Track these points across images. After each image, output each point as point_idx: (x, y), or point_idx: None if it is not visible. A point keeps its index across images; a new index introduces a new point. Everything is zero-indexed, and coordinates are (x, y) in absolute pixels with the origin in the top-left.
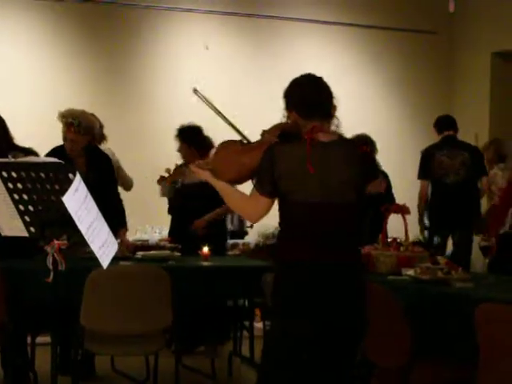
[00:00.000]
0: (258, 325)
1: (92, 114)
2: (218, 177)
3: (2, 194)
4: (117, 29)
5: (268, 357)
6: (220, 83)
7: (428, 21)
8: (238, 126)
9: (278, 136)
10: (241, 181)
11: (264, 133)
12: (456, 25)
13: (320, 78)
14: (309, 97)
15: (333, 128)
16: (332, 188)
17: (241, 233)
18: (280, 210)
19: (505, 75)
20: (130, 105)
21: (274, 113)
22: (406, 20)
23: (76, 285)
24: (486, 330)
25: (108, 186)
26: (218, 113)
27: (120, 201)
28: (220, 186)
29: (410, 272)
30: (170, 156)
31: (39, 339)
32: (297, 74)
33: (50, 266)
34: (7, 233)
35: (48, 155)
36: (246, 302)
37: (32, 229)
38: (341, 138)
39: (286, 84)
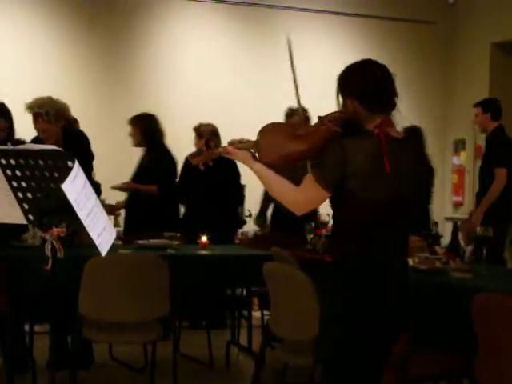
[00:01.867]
0: (256, 314)
1: None
2: (255, 159)
3: (1, 181)
4: (115, 16)
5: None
6: (222, 71)
7: (428, 11)
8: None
9: (341, 126)
10: (279, 167)
11: (322, 119)
12: (456, 15)
13: (385, 66)
14: (376, 86)
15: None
16: (405, 188)
17: (239, 222)
18: (343, 207)
19: (504, 65)
20: (129, 93)
21: (276, 100)
22: (406, 10)
23: (75, 273)
24: (484, 319)
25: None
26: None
27: (97, 184)
28: (262, 170)
29: (409, 262)
30: (171, 146)
31: (37, 327)
32: (297, 63)
33: (49, 254)
34: (6, 220)
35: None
36: (244, 291)
37: (31, 216)
38: (407, 134)
39: (286, 73)
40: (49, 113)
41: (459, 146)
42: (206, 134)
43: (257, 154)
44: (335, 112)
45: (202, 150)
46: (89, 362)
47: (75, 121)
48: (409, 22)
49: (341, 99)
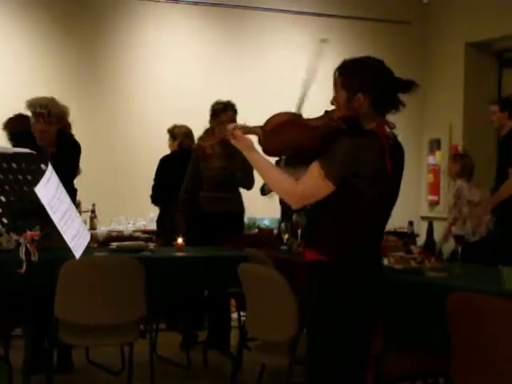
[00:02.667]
0: (234, 315)
1: None
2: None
3: None
4: (92, 18)
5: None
6: (194, 72)
7: (402, 11)
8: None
9: (346, 123)
10: (277, 155)
11: (331, 115)
12: (430, 15)
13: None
14: (390, 88)
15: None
16: (397, 189)
17: None
18: (346, 206)
19: (479, 65)
20: (105, 94)
21: (252, 101)
22: (380, 10)
23: (50, 276)
24: (458, 318)
25: (65, 176)
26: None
27: (74, 190)
28: (262, 160)
29: (384, 261)
30: (145, 147)
31: (14, 331)
32: (268, 66)
33: (23, 257)
34: None
35: (17, 142)
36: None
37: (4, 220)
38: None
39: (255, 73)
40: (51, 114)
41: (434, 145)
42: (180, 136)
43: (259, 139)
44: (341, 108)
45: (210, 132)
46: (68, 366)
47: (69, 125)
48: (383, 22)
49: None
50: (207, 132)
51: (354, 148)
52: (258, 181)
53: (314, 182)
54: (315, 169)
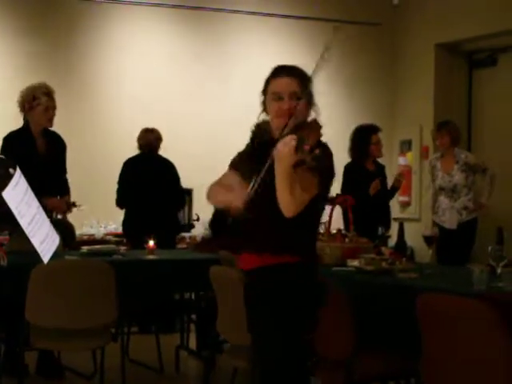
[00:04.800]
0: None
1: None
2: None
3: None
4: (57, 21)
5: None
6: (165, 76)
7: (372, 13)
8: None
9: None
10: None
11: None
12: (400, 16)
13: None
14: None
15: None
16: None
17: (187, 226)
18: (313, 210)
19: (448, 66)
20: (74, 95)
21: (222, 104)
22: (351, 12)
23: (20, 280)
24: (427, 319)
25: (62, 165)
26: None
27: (66, 178)
28: (289, 169)
29: (355, 263)
30: (117, 148)
31: None
32: (240, 66)
33: None
34: None
35: (13, 138)
36: (193, 295)
37: None
38: None
39: (228, 76)
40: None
41: (405, 146)
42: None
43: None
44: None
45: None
46: (58, 370)
47: None
48: (354, 23)
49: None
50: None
51: (331, 153)
52: None
53: (310, 192)
54: (309, 179)
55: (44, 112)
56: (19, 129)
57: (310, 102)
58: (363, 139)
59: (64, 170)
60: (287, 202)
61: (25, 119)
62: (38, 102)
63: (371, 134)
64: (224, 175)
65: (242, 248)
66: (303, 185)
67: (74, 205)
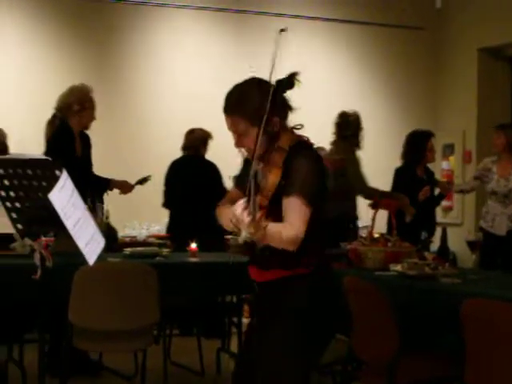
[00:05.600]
0: (246, 321)
1: None
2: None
3: None
4: (106, 26)
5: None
6: (207, 80)
7: (415, 16)
8: None
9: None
10: None
11: (278, 147)
12: (443, 21)
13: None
14: (285, 101)
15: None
16: None
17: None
18: (316, 217)
19: (492, 70)
20: (118, 98)
21: None
22: (393, 16)
23: (64, 281)
24: (472, 324)
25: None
26: None
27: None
28: (272, 234)
29: (398, 267)
30: (159, 150)
31: (29, 336)
32: (283, 71)
33: (38, 263)
34: None
35: (59, 134)
36: (234, 298)
37: (19, 226)
38: None
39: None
40: None
41: (448, 150)
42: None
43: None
44: (283, 134)
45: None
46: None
47: None
48: (396, 27)
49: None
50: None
51: (321, 165)
52: None
53: (302, 217)
54: (297, 203)
55: (92, 114)
56: (63, 129)
57: (261, 126)
58: (419, 144)
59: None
60: (285, 244)
61: (60, 120)
62: (89, 104)
63: (427, 140)
64: (229, 193)
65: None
66: (292, 212)
67: (145, 180)
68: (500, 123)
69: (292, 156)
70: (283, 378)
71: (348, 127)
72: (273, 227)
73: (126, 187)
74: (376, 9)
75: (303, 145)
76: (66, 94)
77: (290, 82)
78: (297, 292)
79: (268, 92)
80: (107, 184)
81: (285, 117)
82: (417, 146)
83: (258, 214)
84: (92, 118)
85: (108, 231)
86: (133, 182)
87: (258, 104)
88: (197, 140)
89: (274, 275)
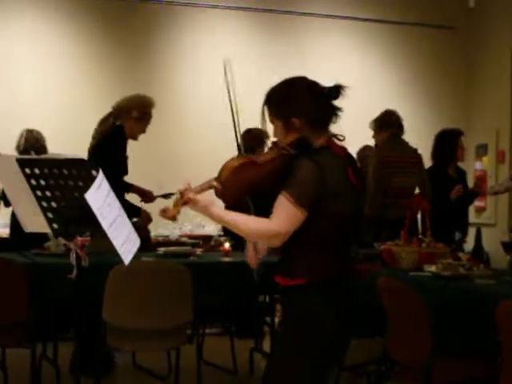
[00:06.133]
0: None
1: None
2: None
3: (25, 190)
4: (138, 26)
5: None
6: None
7: (447, 16)
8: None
9: (295, 148)
10: (238, 202)
11: (277, 144)
12: (475, 20)
13: (317, 83)
14: (316, 104)
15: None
16: (360, 200)
17: None
18: (314, 226)
19: None
20: (156, 95)
21: None
22: (425, 15)
23: (99, 280)
24: (509, 327)
25: None
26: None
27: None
28: (225, 214)
29: (432, 268)
30: (192, 150)
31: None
32: (313, 70)
33: (74, 262)
34: (30, 229)
35: (115, 134)
36: (267, 298)
37: (55, 225)
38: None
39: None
40: None
41: (481, 150)
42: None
43: (216, 192)
44: (286, 136)
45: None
46: (109, 370)
47: None
48: (428, 26)
49: (267, 117)
50: None
51: (317, 167)
52: None
53: (287, 214)
54: (284, 200)
55: (144, 127)
56: (118, 131)
57: (282, 120)
58: (450, 143)
59: None
60: (257, 237)
61: (116, 123)
62: (147, 116)
63: (457, 138)
64: None
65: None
66: (276, 209)
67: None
68: None
69: (296, 157)
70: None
71: (392, 125)
72: (239, 216)
73: (147, 197)
74: (407, 8)
75: (309, 148)
76: (130, 99)
77: (335, 92)
78: (289, 303)
79: (303, 92)
80: (128, 188)
81: (316, 123)
82: (447, 145)
83: (198, 190)
84: (143, 131)
85: (141, 232)
86: (169, 180)
87: (283, 100)
88: (253, 139)
89: (278, 280)
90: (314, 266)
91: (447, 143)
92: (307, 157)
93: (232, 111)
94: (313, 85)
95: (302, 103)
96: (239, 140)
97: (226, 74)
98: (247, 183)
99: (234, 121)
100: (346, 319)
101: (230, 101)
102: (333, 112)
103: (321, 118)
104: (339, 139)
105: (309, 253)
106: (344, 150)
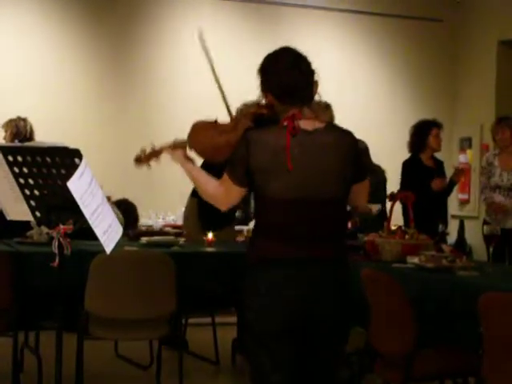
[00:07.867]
0: None
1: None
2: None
3: (8, 178)
4: (121, 16)
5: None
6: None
7: (434, 8)
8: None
9: (253, 120)
10: (209, 160)
11: (239, 115)
12: (462, 12)
13: (301, 55)
14: (289, 80)
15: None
16: (311, 184)
17: (245, 219)
18: (255, 203)
19: (511, 64)
20: (137, 89)
21: None
22: (413, 7)
23: (81, 269)
24: (490, 318)
25: None
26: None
27: None
28: (191, 169)
29: (415, 260)
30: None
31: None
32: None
33: (56, 251)
34: (13, 217)
35: None
36: None
37: (38, 213)
38: (328, 125)
39: None
40: None
41: (465, 143)
42: None
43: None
44: (253, 105)
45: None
46: None
47: None
48: (415, 19)
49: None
50: None
51: (246, 143)
52: None
53: (224, 186)
54: (225, 176)
55: None
56: None
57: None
58: (422, 131)
59: None
60: (207, 197)
61: None
62: None
63: (431, 127)
64: None
65: None
66: (222, 178)
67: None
68: (498, 117)
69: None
70: None
71: None
72: (204, 176)
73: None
74: (395, 0)
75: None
76: None
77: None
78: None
79: (270, 66)
80: None
81: (282, 99)
82: (418, 134)
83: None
84: None
85: (127, 208)
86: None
87: (258, 74)
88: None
89: None
90: (258, 248)
91: (418, 133)
92: (246, 132)
93: (214, 73)
94: (281, 58)
95: (268, 77)
96: (226, 101)
97: (201, 41)
98: (210, 147)
99: (216, 81)
100: (292, 297)
101: (212, 65)
102: (300, 87)
103: (287, 95)
104: (298, 117)
105: (256, 234)
106: (298, 129)
